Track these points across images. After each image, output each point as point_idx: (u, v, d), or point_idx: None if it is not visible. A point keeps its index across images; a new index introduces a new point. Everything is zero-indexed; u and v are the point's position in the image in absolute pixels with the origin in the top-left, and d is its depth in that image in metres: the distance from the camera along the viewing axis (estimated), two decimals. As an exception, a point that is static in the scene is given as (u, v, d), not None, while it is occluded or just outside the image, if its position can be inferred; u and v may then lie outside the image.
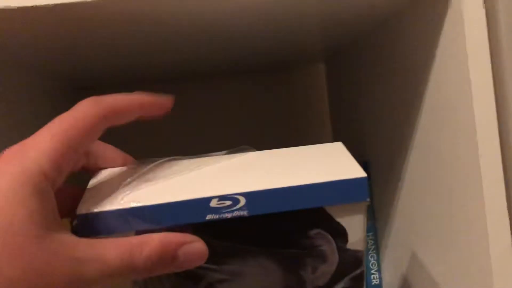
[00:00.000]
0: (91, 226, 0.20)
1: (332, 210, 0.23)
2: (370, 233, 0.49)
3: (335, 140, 0.64)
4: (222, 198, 0.21)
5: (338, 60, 0.59)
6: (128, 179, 0.24)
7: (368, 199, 0.22)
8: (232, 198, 0.22)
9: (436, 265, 0.36)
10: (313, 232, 0.24)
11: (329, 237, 0.24)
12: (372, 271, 0.48)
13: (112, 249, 0.19)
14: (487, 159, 0.28)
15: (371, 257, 0.49)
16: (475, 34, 0.28)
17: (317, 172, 0.23)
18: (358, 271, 0.25)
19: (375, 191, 0.49)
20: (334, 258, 0.24)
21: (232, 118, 0.65)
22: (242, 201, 0.22)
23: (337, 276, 0.25)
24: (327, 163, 0.25)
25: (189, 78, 0.63)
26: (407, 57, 0.37)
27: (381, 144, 0.46)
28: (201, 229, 0.23)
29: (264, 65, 0.59)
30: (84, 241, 0.19)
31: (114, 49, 0.38)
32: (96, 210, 0.21)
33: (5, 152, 0.19)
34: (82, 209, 0.21)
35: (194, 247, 0.21)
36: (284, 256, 0.24)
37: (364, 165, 0.49)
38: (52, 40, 0.32)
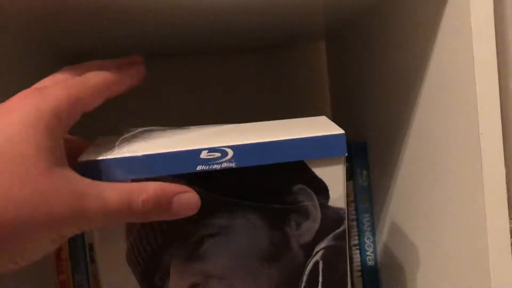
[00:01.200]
0: (90, 174, 0.24)
1: (313, 167, 0.27)
2: (366, 214, 0.52)
3: (334, 119, 0.68)
4: (211, 150, 0.25)
5: (339, 37, 0.61)
6: (127, 137, 0.28)
7: (346, 154, 0.26)
8: (221, 150, 0.25)
9: (433, 248, 0.38)
10: (296, 187, 0.28)
11: (312, 193, 0.28)
12: (368, 253, 0.52)
13: (112, 190, 0.22)
14: (487, 139, 0.29)
15: (367, 238, 0.52)
16: (480, 9, 0.28)
17: (300, 131, 0.27)
18: (340, 229, 0.28)
19: (373, 172, 0.52)
20: (316, 214, 0.28)
21: (231, 95, 0.68)
22: (230, 153, 0.25)
23: (321, 233, 0.29)
24: (310, 126, 0.28)
25: (188, 54, 0.66)
26: (409, 36, 0.39)
27: (380, 125, 0.48)
28: (192, 182, 0.26)
29: (264, 42, 0.61)
30: (87, 180, 0.22)
31: (106, 18, 0.40)
32: (94, 158, 0.25)
33: (22, 92, 0.23)
34: (82, 158, 0.25)
35: (188, 197, 0.25)
36: (270, 211, 0.28)
37: (362, 146, 0.53)
38: (44, 6, 0.33)
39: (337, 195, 0.27)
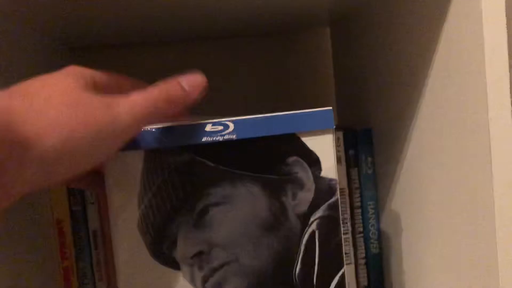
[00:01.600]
0: None
1: (305, 139, 0.34)
2: (371, 202, 0.58)
3: (338, 105, 0.74)
4: (215, 123, 0.32)
5: (344, 23, 0.65)
6: None
7: (334, 127, 0.32)
8: (223, 124, 0.32)
9: (439, 235, 0.41)
10: (291, 159, 0.34)
11: (305, 164, 0.34)
12: (372, 240, 0.58)
13: (135, 92, 0.29)
14: (497, 123, 0.31)
15: (371, 226, 0.58)
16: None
17: (293, 110, 0.34)
18: (333, 199, 0.35)
19: (377, 160, 0.57)
20: (310, 185, 0.34)
21: (235, 80, 0.74)
22: (231, 126, 0.32)
23: (315, 204, 0.35)
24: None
25: (192, 40, 0.71)
26: (416, 21, 0.42)
27: (386, 111, 0.52)
28: (199, 154, 0.33)
29: (269, 27, 0.66)
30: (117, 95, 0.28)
31: (112, 7, 0.45)
32: None
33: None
34: None
35: (192, 75, 0.32)
36: (268, 182, 0.34)
37: (368, 133, 0.58)
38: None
39: (329, 166, 0.34)
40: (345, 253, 0.56)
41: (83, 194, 0.54)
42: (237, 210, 0.34)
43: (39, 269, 0.49)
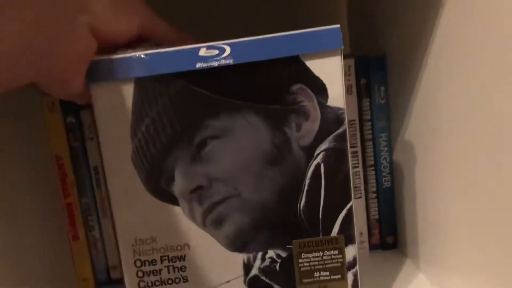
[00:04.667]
0: (100, 70, 0.29)
1: (310, 63, 0.31)
2: (383, 134, 0.57)
3: (350, 30, 0.70)
4: (209, 47, 0.30)
5: None
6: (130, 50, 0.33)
7: (343, 47, 0.30)
8: (219, 47, 0.30)
9: (456, 165, 0.40)
10: (295, 87, 0.32)
11: (310, 92, 0.32)
12: (384, 174, 0.57)
13: None
14: None
15: (383, 159, 0.57)
16: None
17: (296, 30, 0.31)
18: (340, 130, 0.33)
19: (391, 89, 0.55)
20: (316, 114, 0.33)
21: (238, 4, 0.71)
22: (228, 50, 0.30)
23: (321, 135, 0.33)
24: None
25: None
26: None
27: (401, 37, 0.50)
28: (193, 82, 0.31)
29: None
30: None
31: None
32: (105, 58, 0.30)
33: None
34: (95, 57, 0.30)
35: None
36: (270, 112, 0.32)
37: (381, 60, 0.56)
38: None
39: (336, 94, 0.32)
40: (355, 187, 0.55)
41: (82, 129, 0.53)
42: (237, 142, 0.33)
43: (41, 206, 0.49)
